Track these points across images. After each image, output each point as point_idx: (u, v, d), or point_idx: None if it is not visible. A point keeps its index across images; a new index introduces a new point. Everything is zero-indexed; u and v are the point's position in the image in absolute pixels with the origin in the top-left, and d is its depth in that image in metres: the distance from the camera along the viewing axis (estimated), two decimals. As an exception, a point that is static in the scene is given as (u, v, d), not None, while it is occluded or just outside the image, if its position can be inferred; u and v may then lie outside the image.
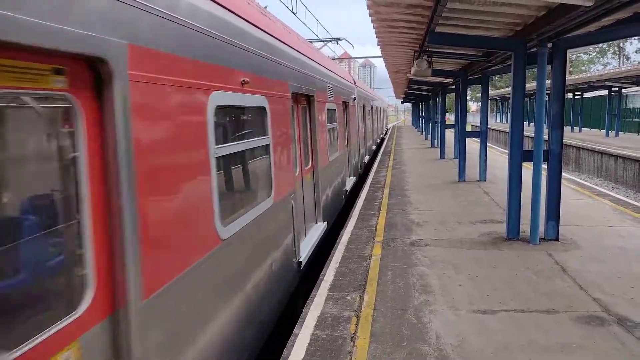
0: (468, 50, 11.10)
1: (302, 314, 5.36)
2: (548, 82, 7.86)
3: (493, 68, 12.76)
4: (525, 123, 39.95)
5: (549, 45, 7.49)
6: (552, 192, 7.84)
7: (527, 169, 7.92)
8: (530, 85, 24.04)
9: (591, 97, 39.07)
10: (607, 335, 4.69)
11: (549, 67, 7.74)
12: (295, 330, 4.95)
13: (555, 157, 7.74)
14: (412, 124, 64.60)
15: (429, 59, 10.31)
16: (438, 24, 7.74)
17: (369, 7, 7.34)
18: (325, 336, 4.80)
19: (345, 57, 79.57)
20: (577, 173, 25.34)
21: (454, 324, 4.98)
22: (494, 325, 4.94)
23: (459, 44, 9.45)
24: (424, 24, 8.24)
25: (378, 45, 12.09)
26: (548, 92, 7.93)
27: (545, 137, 7.84)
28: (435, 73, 13.33)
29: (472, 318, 5.13)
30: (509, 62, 8.11)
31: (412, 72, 10.99)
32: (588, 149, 25.08)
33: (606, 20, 6.99)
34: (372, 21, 8.62)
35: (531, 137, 8.05)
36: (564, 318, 5.07)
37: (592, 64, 70.30)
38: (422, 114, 43.06)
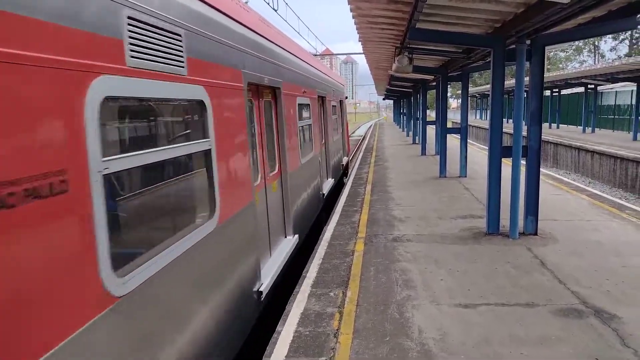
0: (448, 46, 11.18)
1: (285, 310, 5.34)
2: (527, 79, 7.96)
3: (473, 65, 12.89)
4: (505, 120, 40.60)
5: (528, 42, 7.59)
6: (530, 187, 7.96)
7: (507, 164, 8.02)
8: (510, 82, 24.36)
9: (568, 94, 39.80)
10: (585, 327, 4.78)
11: (527, 64, 7.84)
12: (278, 328, 4.92)
13: (534, 152, 7.86)
14: (394, 121, 64.95)
15: (410, 56, 10.36)
16: (419, 20, 7.77)
17: (349, 2, 7.33)
18: (308, 333, 4.79)
19: (327, 54, 79.67)
20: (555, 169, 25.80)
21: (436, 319, 5.02)
22: (475, 319, 4.99)
23: (439, 40, 9.52)
24: (405, 20, 8.26)
25: (359, 41, 12.09)
26: (527, 89, 8.03)
27: (524, 133, 7.95)
28: (416, 70, 13.39)
29: (454, 312, 5.18)
30: (489, 59, 8.19)
31: (393, 68, 11.03)
32: (565, 145, 25.55)
33: (582, 18, 7.11)
34: (353, 17, 8.62)
35: (510, 134, 8.14)
36: (543, 311, 5.15)
37: (569, 61, 71.55)
38: (403, 110, 43.31)
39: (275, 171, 6.76)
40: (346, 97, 20.58)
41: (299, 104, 8.28)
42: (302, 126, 8.69)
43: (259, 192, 5.73)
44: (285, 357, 4.35)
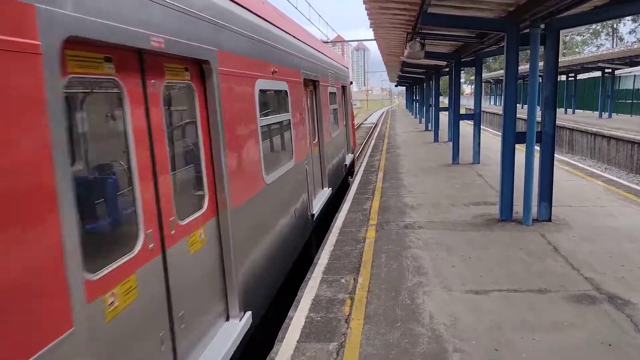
0: (461, 31, 11.02)
1: (297, 297, 5.39)
2: (541, 64, 7.82)
3: (486, 50, 12.70)
4: (520, 105, 40.01)
5: (542, 25, 7.44)
6: (544, 173, 7.87)
7: (521, 150, 7.93)
8: (524, 67, 23.94)
9: (585, 78, 39.05)
10: (598, 313, 4.75)
11: (542, 49, 7.70)
12: (290, 313, 4.98)
13: (548, 138, 7.75)
14: (407, 107, 64.45)
15: (422, 41, 10.24)
16: (431, 5, 7.68)
17: (360, -12, 7.24)
18: (319, 318, 4.83)
19: (339, 40, 79.00)
20: (570, 154, 25.44)
21: (447, 305, 5.03)
22: (487, 305, 4.98)
23: (452, 25, 9.38)
24: (417, 5, 8.16)
25: (371, 27, 11.98)
26: (541, 73, 7.90)
27: (539, 119, 7.84)
28: (429, 55, 13.24)
29: (465, 298, 5.18)
30: (503, 44, 8.05)
31: (405, 54, 10.91)
32: (581, 131, 25.15)
33: (598, 0, 6.95)
34: (364, 2, 8.53)
35: (524, 119, 8.03)
36: (556, 297, 5.12)
37: (585, 45, 70.08)
38: (416, 97, 42.92)
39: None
40: (351, 83, 17.42)
41: (260, 90, 5.27)
42: (267, 125, 5.65)
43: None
44: (297, 342, 4.40)
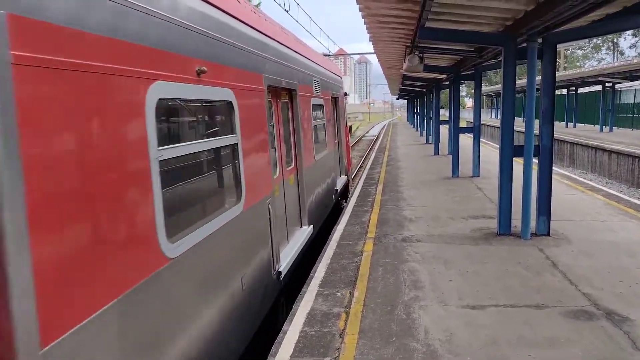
0: (460, 45, 11.09)
1: (292, 310, 5.35)
2: (539, 78, 7.85)
3: (485, 63, 12.77)
4: (520, 119, 40.07)
5: (539, 40, 7.48)
6: (542, 187, 7.84)
7: (520, 164, 7.92)
8: (524, 81, 24.01)
9: (585, 92, 39.15)
10: (596, 329, 4.69)
11: (540, 62, 7.74)
12: (284, 327, 4.93)
13: (546, 151, 7.74)
14: (408, 120, 64.63)
15: (421, 55, 10.30)
16: (428, 19, 7.73)
17: (358, 2, 7.31)
18: (314, 333, 4.78)
19: (340, 54, 79.64)
20: (571, 168, 25.39)
21: (443, 320, 4.98)
22: (483, 320, 4.93)
23: (450, 39, 9.44)
24: (415, 19, 8.21)
25: (370, 41, 12.06)
26: (539, 87, 7.93)
27: (536, 132, 7.84)
28: (428, 69, 13.30)
29: (462, 313, 5.13)
30: (501, 58, 8.09)
31: (404, 67, 10.97)
32: (582, 145, 25.13)
33: (595, 15, 6.99)
34: (363, 16, 8.59)
35: (523, 132, 8.03)
36: (553, 313, 5.07)
37: (586, 59, 70.40)
38: (417, 110, 43.06)
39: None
40: (345, 94, 14.98)
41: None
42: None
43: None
44: (290, 356, 4.35)
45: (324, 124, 10.13)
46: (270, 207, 5.50)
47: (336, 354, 4.37)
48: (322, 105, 9.87)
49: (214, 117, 4.47)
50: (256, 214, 5.09)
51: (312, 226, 7.74)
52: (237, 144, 4.61)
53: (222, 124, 4.47)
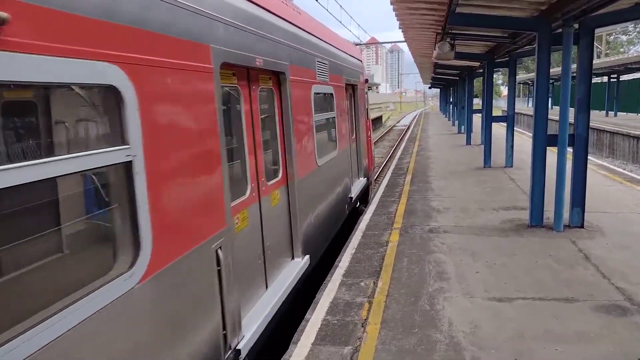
0: (493, 31, 10.76)
1: (315, 299, 5.37)
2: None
3: (519, 50, 12.37)
4: (557, 107, 38.77)
5: (575, 24, 7.17)
6: (577, 177, 7.57)
7: (554, 153, 7.67)
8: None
9: (628, 80, 37.45)
10: (629, 324, 4.52)
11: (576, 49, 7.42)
12: (307, 315, 4.96)
13: (581, 141, 7.46)
14: (440, 109, 63.51)
15: (452, 42, 10.05)
16: (459, 4, 7.52)
17: (386, -12, 7.17)
18: (336, 321, 4.79)
19: (372, 42, 78.78)
20: (611, 159, 24.43)
21: (468, 312, 4.89)
22: (510, 313, 4.82)
23: (481, 24, 9.18)
24: (445, 5, 8.01)
25: (400, 28, 11.85)
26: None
27: (571, 120, 7.56)
28: (460, 56, 13.00)
29: (488, 306, 5.03)
30: (535, 44, 7.81)
31: (434, 55, 10.74)
32: (623, 134, 24.11)
33: (637, -4, 6.64)
34: (392, 3, 8.43)
35: (558, 121, 7.76)
36: (583, 307, 4.91)
37: (631, 45, 67.19)
38: (449, 99, 42.23)
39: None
40: (366, 81, 12.29)
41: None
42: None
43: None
44: (312, 344, 4.37)
45: (334, 117, 8.05)
46: (220, 253, 3.62)
47: (358, 343, 4.36)
48: (332, 94, 7.87)
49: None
50: (179, 278, 3.09)
51: (307, 257, 5.87)
52: (130, 163, 2.61)
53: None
